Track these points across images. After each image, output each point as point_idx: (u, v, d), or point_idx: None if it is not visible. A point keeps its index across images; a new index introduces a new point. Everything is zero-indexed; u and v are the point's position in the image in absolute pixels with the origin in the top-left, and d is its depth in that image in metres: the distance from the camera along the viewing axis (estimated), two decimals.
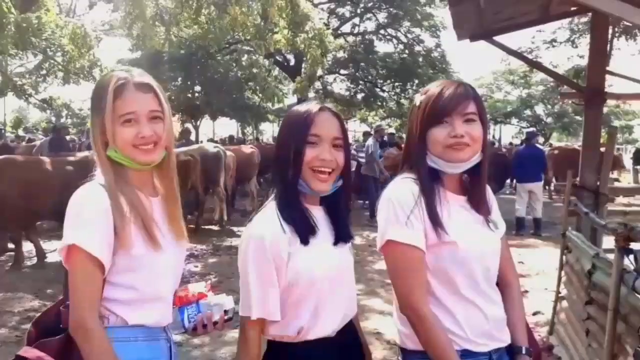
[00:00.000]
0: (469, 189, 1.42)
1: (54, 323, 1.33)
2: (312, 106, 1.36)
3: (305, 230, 1.31)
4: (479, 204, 1.41)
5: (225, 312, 1.45)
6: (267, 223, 1.31)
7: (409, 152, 1.44)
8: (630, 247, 2.20)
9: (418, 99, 1.41)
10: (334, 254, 1.37)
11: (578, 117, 25.46)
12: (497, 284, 1.45)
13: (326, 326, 1.34)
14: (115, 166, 1.34)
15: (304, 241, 1.30)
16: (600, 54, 4.04)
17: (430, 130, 1.35)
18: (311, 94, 16.79)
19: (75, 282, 1.26)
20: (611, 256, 2.64)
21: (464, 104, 1.34)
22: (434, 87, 1.39)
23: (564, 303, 3.65)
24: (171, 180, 1.44)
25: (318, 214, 1.38)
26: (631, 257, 2.18)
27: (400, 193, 1.35)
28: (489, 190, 1.48)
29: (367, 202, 9.68)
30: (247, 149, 10.09)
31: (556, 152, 12.32)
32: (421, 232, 1.31)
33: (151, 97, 1.32)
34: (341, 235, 1.39)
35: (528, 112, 28.36)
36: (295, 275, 1.29)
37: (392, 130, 18.96)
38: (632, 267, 2.19)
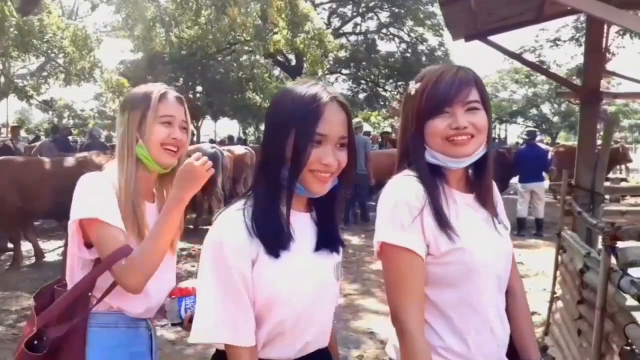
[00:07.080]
0: (475, 184, 1.27)
1: (48, 302, 1.41)
2: (320, 93, 1.11)
3: (274, 240, 1.10)
4: (485, 201, 1.26)
5: None
6: (228, 225, 1.10)
7: (405, 147, 1.24)
8: (617, 246, 2.19)
9: (413, 86, 1.22)
10: (312, 269, 1.15)
11: None
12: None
13: (284, 349, 1.15)
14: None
15: (271, 252, 1.09)
16: (596, 53, 4.00)
17: (429, 122, 1.18)
18: None
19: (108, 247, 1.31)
20: None
21: (466, 91, 1.16)
22: (430, 73, 1.21)
23: (559, 303, 3.63)
24: None
25: (303, 220, 1.18)
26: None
27: (402, 193, 1.17)
28: (494, 186, 1.32)
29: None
30: (239, 149, 9.56)
31: (561, 149, 12.17)
32: (421, 238, 1.15)
33: (183, 109, 1.51)
34: (329, 245, 1.19)
35: (534, 111, 28.17)
36: (258, 289, 1.09)
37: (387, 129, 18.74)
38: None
